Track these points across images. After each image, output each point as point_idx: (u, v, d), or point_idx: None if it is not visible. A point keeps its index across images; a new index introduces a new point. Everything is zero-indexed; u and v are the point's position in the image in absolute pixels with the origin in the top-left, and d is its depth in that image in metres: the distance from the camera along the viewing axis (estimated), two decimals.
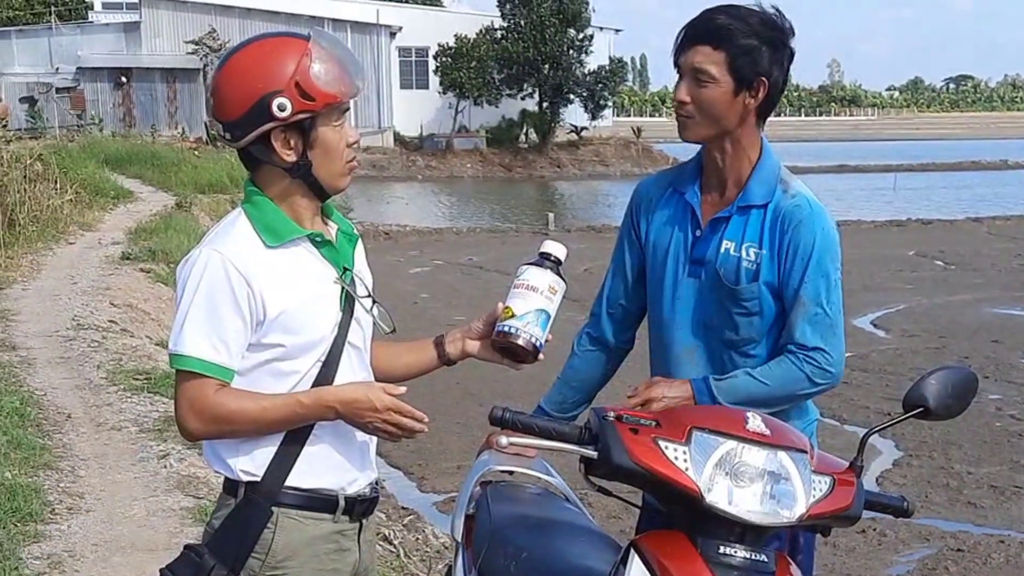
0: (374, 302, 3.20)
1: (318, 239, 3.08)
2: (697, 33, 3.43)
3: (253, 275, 2.95)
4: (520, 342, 3.12)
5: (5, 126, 24.08)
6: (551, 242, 3.24)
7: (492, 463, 3.69)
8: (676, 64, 3.49)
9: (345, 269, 3.12)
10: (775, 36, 3.41)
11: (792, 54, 3.47)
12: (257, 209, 3.04)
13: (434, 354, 3.33)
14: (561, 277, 3.20)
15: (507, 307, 3.15)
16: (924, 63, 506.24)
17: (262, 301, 2.95)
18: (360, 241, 3.27)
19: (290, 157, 2.99)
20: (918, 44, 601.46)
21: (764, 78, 3.40)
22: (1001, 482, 9.01)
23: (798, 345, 3.39)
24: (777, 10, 3.47)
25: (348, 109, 3.06)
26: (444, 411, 10.71)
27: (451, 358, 3.32)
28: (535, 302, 3.13)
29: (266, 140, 2.98)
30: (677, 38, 3.49)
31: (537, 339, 3.12)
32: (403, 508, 8.17)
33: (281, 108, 2.91)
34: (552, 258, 3.20)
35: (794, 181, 3.53)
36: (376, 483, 3.26)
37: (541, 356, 3.17)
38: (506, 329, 3.13)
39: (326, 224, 3.17)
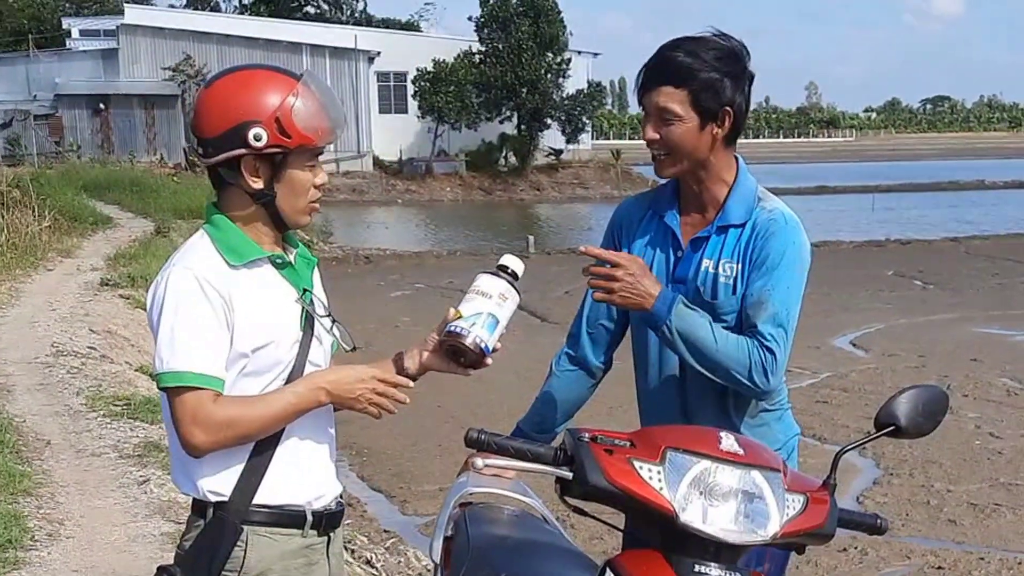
0: (333, 321, 3.26)
1: (279, 260, 3.14)
2: (658, 74, 3.47)
3: (224, 291, 3.00)
4: (467, 342, 3.14)
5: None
6: (510, 256, 3.29)
7: (470, 485, 3.70)
8: (640, 103, 3.54)
9: (305, 290, 3.18)
10: (734, 67, 3.46)
11: (752, 77, 3.53)
12: (218, 230, 3.10)
13: (393, 370, 3.32)
14: (516, 289, 3.23)
15: (457, 310, 3.19)
16: (901, 85, 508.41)
17: (232, 317, 3.00)
18: (317, 266, 3.34)
19: (256, 184, 3.06)
20: (894, 66, 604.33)
21: (728, 107, 3.45)
22: (981, 500, 9.05)
23: (761, 337, 3.40)
24: (727, 37, 3.50)
25: (321, 153, 3.13)
26: (425, 434, 10.73)
27: (410, 373, 3.31)
28: (484, 306, 3.17)
29: (236, 164, 3.04)
30: (638, 79, 3.53)
31: (483, 340, 3.15)
32: (385, 531, 8.17)
33: (257, 138, 2.98)
34: (508, 271, 3.24)
35: (771, 198, 3.58)
36: (341, 496, 3.31)
37: (488, 361, 3.20)
38: (453, 329, 3.17)
39: (285, 249, 3.23)
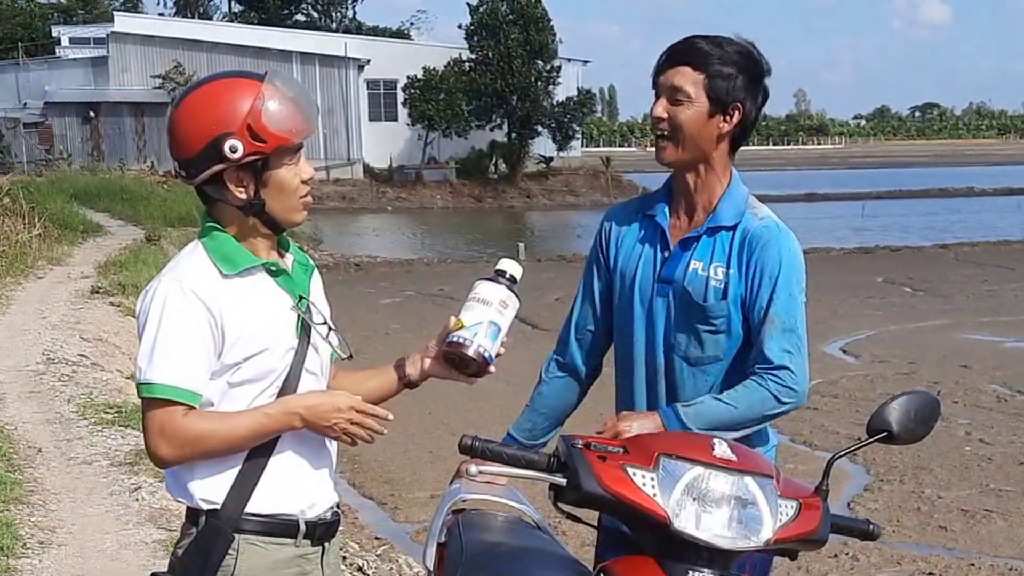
0: (330, 329, 3.23)
1: (273, 268, 3.13)
2: (678, 55, 3.53)
3: (213, 302, 2.99)
4: (470, 352, 3.14)
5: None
6: (507, 260, 3.28)
7: (463, 492, 3.71)
8: (655, 84, 3.58)
9: (301, 297, 3.16)
10: (752, 68, 3.52)
11: (767, 92, 3.58)
12: (213, 241, 3.09)
13: (395, 377, 3.33)
14: (515, 295, 3.23)
15: (458, 319, 3.18)
16: (890, 92, 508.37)
17: (222, 327, 2.99)
18: (316, 271, 3.33)
19: (242, 195, 3.04)
20: (883, 73, 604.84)
21: (739, 104, 3.49)
22: (971, 506, 9.06)
23: (764, 364, 3.42)
24: (755, 46, 3.58)
25: (301, 147, 3.09)
26: (417, 441, 10.73)
27: (411, 379, 3.32)
28: (485, 314, 3.16)
29: (220, 179, 3.02)
30: (659, 59, 3.59)
31: (486, 350, 3.14)
32: (377, 538, 8.16)
33: (233, 149, 2.95)
34: (507, 275, 3.23)
35: (761, 207, 3.61)
36: (337, 506, 3.29)
37: (492, 369, 3.20)
38: (456, 339, 3.16)
39: (282, 256, 3.21)
